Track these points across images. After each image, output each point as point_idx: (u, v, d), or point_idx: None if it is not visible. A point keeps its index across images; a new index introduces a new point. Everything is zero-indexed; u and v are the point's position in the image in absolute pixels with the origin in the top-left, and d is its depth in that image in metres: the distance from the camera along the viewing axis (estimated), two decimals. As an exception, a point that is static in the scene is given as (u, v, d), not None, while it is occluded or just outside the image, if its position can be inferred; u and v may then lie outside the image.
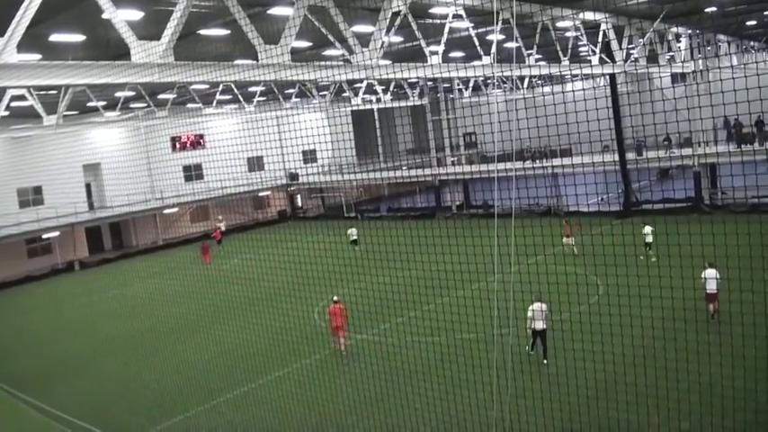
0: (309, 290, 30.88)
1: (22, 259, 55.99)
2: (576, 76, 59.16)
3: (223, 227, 55.86)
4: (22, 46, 17.06)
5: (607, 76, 49.66)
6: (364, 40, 26.42)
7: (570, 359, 16.60)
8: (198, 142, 68.44)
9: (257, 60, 22.34)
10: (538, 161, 52.98)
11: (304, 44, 37.59)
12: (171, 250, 59.93)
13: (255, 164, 67.62)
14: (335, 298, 25.83)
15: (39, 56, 30.08)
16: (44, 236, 55.88)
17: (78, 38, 30.55)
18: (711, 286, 22.79)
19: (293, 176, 70.44)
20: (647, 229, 33.44)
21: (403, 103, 73.19)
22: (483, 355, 18.70)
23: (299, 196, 75.34)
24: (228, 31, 31.97)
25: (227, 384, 23.35)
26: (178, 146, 67.51)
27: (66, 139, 54.65)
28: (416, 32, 29.13)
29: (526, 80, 68.90)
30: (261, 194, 70.51)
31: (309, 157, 72.02)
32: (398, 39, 38.51)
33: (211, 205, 66.74)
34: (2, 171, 55.56)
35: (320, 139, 59.14)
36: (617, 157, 49.38)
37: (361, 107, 68.65)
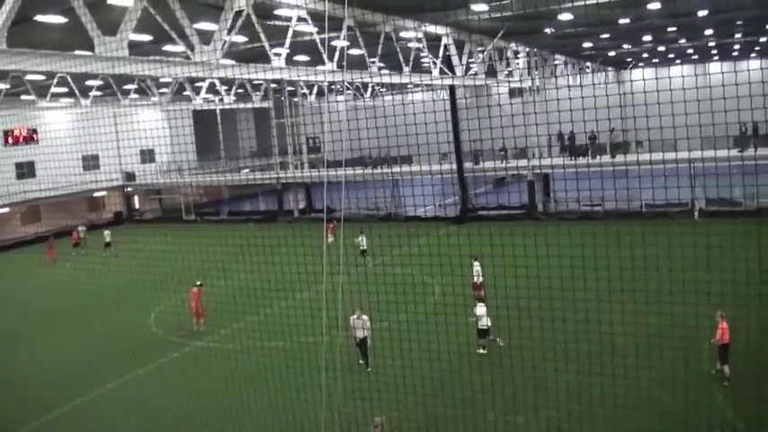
0: (145, 294, 30.02)
1: None
2: (418, 86, 60.51)
3: (83, 233, 53.10)
4: None
5: (447, 88, 51.04)
6: (207, 37, 25.96)
7: (407, 359, 16.95)
8: (31, 137, 64.70)
9: (94, 52, 21.50)
10: (378, 167, 53.72)
11: (144, 38, 36.48)
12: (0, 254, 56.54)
13: (90, 162, 65.05)
14: (198, 282, 26.45)
15: None
16: None
17: None
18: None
19: (130, 176, 68.21)
20: (360, 238, 36.20)
21: (246, 105, 72.43)
22: (319, 358, 18.76)
23: (136, 197, 72.96)
24: (66, 19, 30.61)
25: (59, 398, 21.96)
26: (10, 141, 63.52)
27: None
28: (260, 33, 28.88)
29: (369, 88, 69.73)
30: (96, 195, 67.54)
31: (147, 156, 69.97)
32: (242, 39, 38.06)
33: (43, 206, 63.24)
34: None
35: (159, 139, 57.69)
36: (455, 166, 51.06)
37: (203, 107, 67.37)
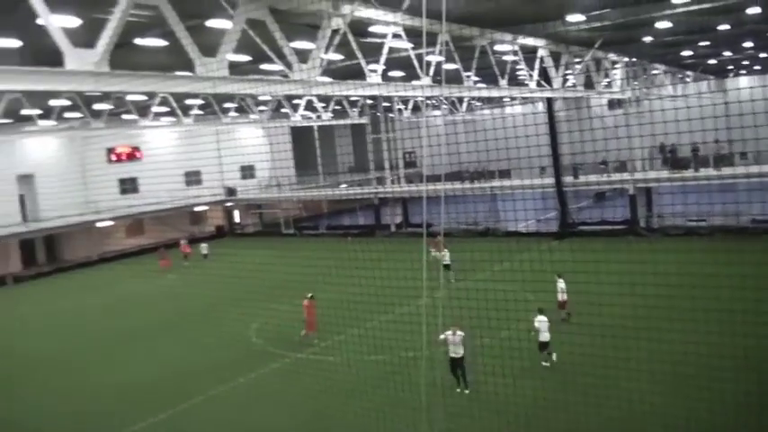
0: (245, 306, 30.52)
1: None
2: (514, 99, 59.97)
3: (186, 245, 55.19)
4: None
5: (544, 100, 50.40)
6: (304, 56, 26.33)
7: (509, 377, 16.72)
8: (134, 155, 67.24)
9: (195, 73, 22.07)
10: (476, 182, 53.37)
11: (243, 58, 37.31)
12: (106, 265, 58.83)
13: (193, 178, 66.89)
14: (309, 294, 27.01)
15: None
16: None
17: (15, 43, 29.85)
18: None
19: (231, 192, 69.83)
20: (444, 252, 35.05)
21: (343, 121, 73.19)
22: (420, 373, 18.67)
23: (236, 212, 74.59)
24: (166, 43, 31.58)
25: (158, 405, 22.63)
26: (114, 158, 66.25)
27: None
28: (356, 51, 29.13)
29: (465, 102, 69.50)
30: (198, 209, 69.52)
31: (248, 172, 71.65)
32: (338, 56, 38.50)
33: (147, 220, 65.55)
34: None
35: (259, 155, 58.84)
36: (554, 180, 50.18)
37: (301, 123, 68.44)
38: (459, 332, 20.08)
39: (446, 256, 36.34)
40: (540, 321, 21.84)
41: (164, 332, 31.90)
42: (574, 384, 17.65)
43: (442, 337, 19.57)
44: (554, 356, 21.73)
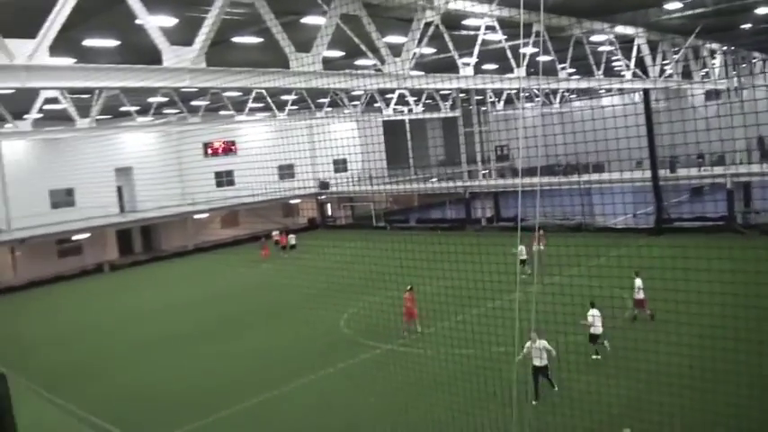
0: (337, 297, 30.85)
1: (52, 259, 56.61)
2: (609, 90, 58.78)
3: (277, 237, 56.72)
4: (57, 49, 17.22)
5: (641, 92, 49.17)
6: (396, 50, 26.40)
7: (594, 375, 16.44)
8: (230, 149, 68.94)
9: (289, 68, 22.39)
10: (569, 176, 52.52)
11: (336, 53, 37.66)
12: (200, 255, 60.41)
13: (286, 171, 67.96)
14: (409, 286, 27.12)
15: (73, 59, 30.45)
16: (74, 237, 56.45)
17: (112, 43, 30.88)
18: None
19: (324, 185, 70.65)
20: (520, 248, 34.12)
21: (435, 115, 73.12)
22: (511, 369, 18.52)
23: (328, 205, 75.47)
24: (261, 39, 32.16)
25: (250, 391, 23.25)
26: (210, 152, 68.09)
27: (98, 142, 55.37)
28: (449, 43, 29.05)
29: (559, 94, 68.53)
30: (291, 202, 70.76)
31: (340, 166, 72.41)
32: (431, 50, 38.45)
33: (242, 211, 67.07)
34: (34, 172, 56.22)
35: (351, 149, 59.33)
36: (649, 174, 48.89)
37: (393, 117, 68.69)
38: (539, 340, 19.31)
39: (522, 252, 35.87)
40: (593, 315, 21.83)
41: (256, 321, 32.55)
42: (668, 386, 17.22)
43: (525, 349, 18.98)
44: (606, 344, 21.83)
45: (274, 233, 56.97)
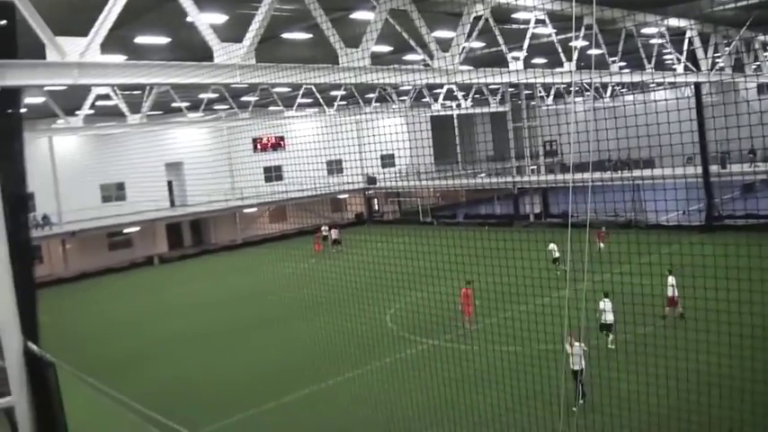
0: (383, 292, 30.86)
1: (103, 252, 57.78)
2: (661, 84, 57.89)
3: (326, 233, 57.36)
4: (108, 47, 17.53)
5: (692, 86, 48.31)
6: (445, 44, 26.33)
7: (642, 374, 16.22)
8: (278, 144, 69.44)
9: (338, 64, 22.46)
10: (619, 172, 51.87)
11: (384, 48, 37.70)
12: (249, 249, 60.94)
13: (334, 167, 68.22)
14: (468, 281, 26.82)
15: (124, 57, 30.92)
16: (125, 230, 57.41)
17: (163, 40, 31.28)
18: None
19: (371, 180, 70.76)
20: (552, 246, 35.13)
21: (483, 110, 72.74)
22: (556, 367, 18.40)
23: (376, 200, 75.61)
24: (311, 35, 32.32)
25: (297, 383, 23.54)
26: (259, 147, 68.65)
27: (149, 137, 56.20)
28: (498, 38, 28.89)
29: (609, 88, 67.69)
30: (339, 197, 71.07)
31: (388, 161, 72.44)
32: (480, 44, 38.29)
33: (290, 206, 67.52)
34: (86, 167, 57.24)
35: (399, 144, 59.36)
36: (700, 170, 48.05)
37: (441, 113, 68.50)
38: (576, 343, 19.26)
39: (555, 250, 35.71)
40: (605, 303, 22.87)
41: (303, 315, 32.68)
42: (718, 387, 16.92)
43: (567, 347, 19.27)
44: (609, 339, 23.09)
45: (323, 228, 57.38)
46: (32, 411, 13.33)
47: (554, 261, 34.77)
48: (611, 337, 23.46)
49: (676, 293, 25.48)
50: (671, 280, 25.70)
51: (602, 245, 34.06)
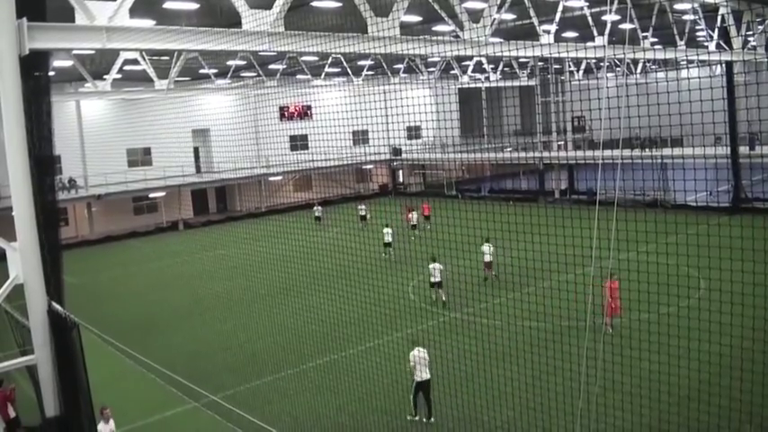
0: (407, 264, 30.93)
1: (128, 216, 58.37)
2: (692, 62, 57.09)
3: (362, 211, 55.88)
4: (137, 11, 17.54)
5: (724, 64, 47.56)
6: (475, 15, 26.07)
7: (665, 354, 16.13)
8: (305, 113, 69.36)
9: (367, 33, 22.30)
10: (647, 149, 51.30)
11: (414, 18, 37.41)
12: (274, 216, 61.02)
13: (360, 137, 68.09)
14: (613, 274, 22.60)
15: (153, 22, 30.91)
16: (151, 195, 57.79)
17: (192, 5, 31.22)
18: None
19: (397, 152, 70.55)
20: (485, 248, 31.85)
21: (512, 83, 72.16)
22: (577, 343, 18.32)
23: (400, 171, 75.46)
24: (340, 4, 32.14)
25: (319, 351, 23.76)
26: (286, 115, 68.59)
27: (176, 103, 56.26)
28: (529, 10, 28.56)
29: (640, 64, 66.88)
30: (364, 168, 70.98)
31: (414, 133, 72.14)
32: (511, 16, 37.90)
33: (315, 175, 67.63)
34: (113, 131, 57.54)
35: (425, 116, 59.11)
36: (729, 150, 47.39)
37: (469, 85, 68.01)
38: (422, 351, 19.22)
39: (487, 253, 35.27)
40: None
41: (324, 284, 32.75)
42: (739, 371, 16.79)
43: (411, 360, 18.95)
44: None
45: (360, 206, 55.68)
46: (54, 369, 13.59)
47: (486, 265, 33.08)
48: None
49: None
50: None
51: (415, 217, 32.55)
